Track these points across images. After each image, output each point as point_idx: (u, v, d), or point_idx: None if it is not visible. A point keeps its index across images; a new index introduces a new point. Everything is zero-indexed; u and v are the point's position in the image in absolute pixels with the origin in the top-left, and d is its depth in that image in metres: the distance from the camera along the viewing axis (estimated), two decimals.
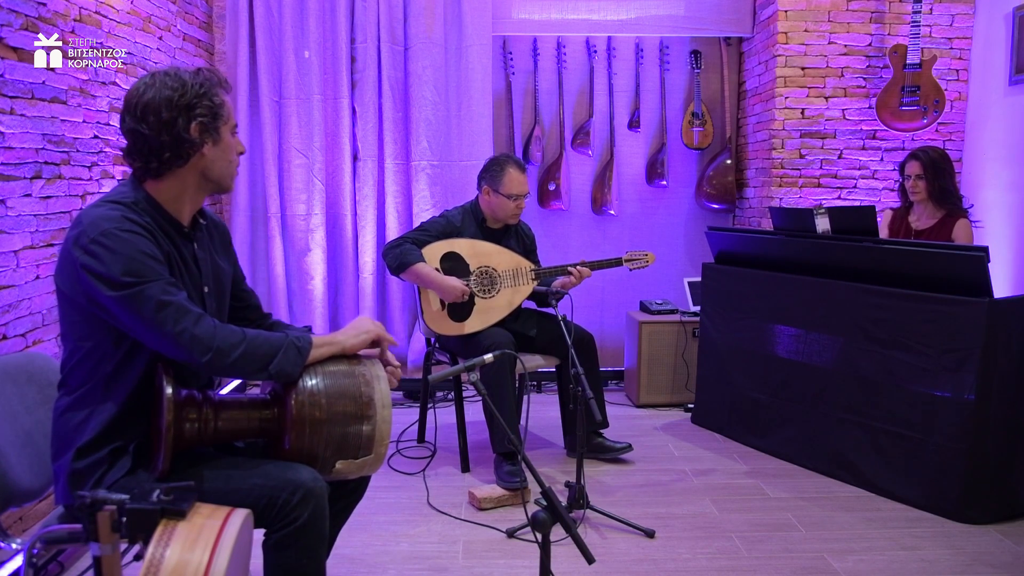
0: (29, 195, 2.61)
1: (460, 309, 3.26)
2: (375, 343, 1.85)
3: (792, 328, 3.43)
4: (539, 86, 4.67)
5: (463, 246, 3.32)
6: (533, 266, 3.39)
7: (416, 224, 4.21)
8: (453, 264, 3.27)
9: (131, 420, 1.67)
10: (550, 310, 3.19)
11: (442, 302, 3.24)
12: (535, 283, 3.36)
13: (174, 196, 1.72)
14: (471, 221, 3.42)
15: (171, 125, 1.65)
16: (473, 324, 3.26)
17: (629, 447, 3.45)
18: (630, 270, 3.50)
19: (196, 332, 1.58)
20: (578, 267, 3.31)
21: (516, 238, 3.51)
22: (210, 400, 1.70)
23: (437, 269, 3.24)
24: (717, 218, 4.85)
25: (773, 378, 3.52)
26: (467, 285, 3.23)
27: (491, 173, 3.35)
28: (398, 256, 3.22)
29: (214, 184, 1.77)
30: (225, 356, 1.61)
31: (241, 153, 1.82)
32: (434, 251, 3.27)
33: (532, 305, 3.54)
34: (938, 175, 3.53)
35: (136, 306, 1.55)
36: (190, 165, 1.70)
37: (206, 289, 1.79)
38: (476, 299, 3.28)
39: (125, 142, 1.71)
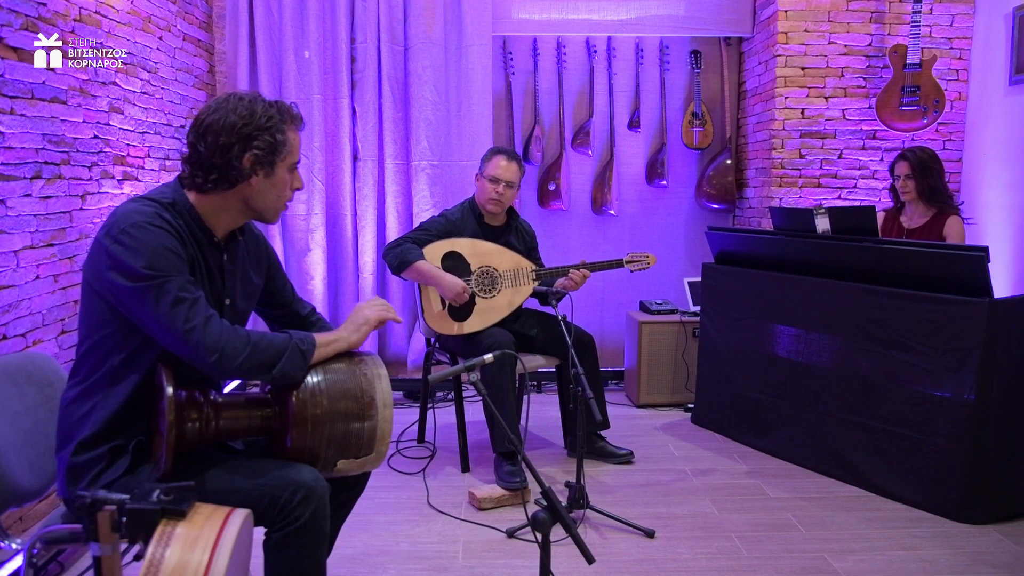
0: (29, 195, 2.61)
1: (461, 309, 3.26)
2: (380, 323, 1.88)
3: (792, 328, 3.43)
4: (539, 86, 4.67)
5: (464, 245, 3.32)
6: (534, 266, 3.39)
7: (415, 225, 4.21)
8: (454, 263, 3.27)
9: (133, 417, 1.68)
10: (550, 310, 3.20)
11: (443, 301, 3.24)
12: (536, 283, 3.36)
13: (213, 211, 1.75)
14: (470, 217, 3.43)
15: (226, 150, 1.68)
16: (473, 324, 3.26)
17: (631, 455, 3.44)
18: (631, 271, 3.50)
19: (206, 332, 1.61)
20: (578, 270, 3.31)
21: (517, 236, 3.51)
22: (211, 400, 1.71)
23: (437, 267, 3.24)
24: (717, 218, 4.85)
25: (773, 378, 3.52)
26: (468, 285, 3.23)
27: (483, 159, 3.42)
28: (399, 255, 3.22)
29: (256, 214, 1.79)
30: (231, 359, 1.63)
31: (298, 189, 1.83)
32: (435, 251, 3.27)
33: (534, 304, 3.53)
34: (927, 174, 3.54)
35: (153, 299, 1.58)
36: (236, 191, 1.73)
37: (227, 301, 1.80)
38: (477, 299, 3.28)
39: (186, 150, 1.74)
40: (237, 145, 1.68)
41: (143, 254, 1.58)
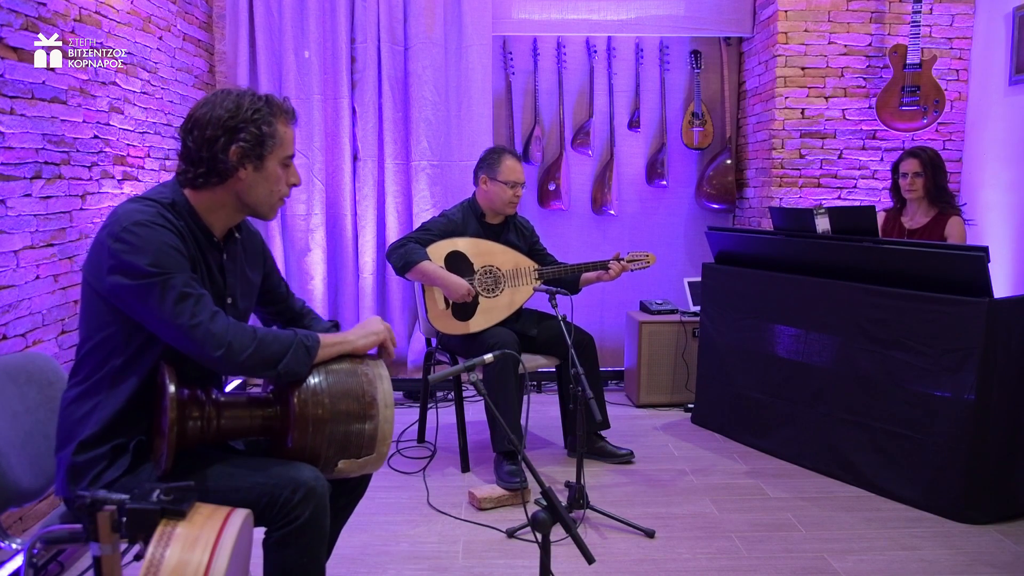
0: (29, 195, 2.61)
1: (464, 308, 3.26)
2: (382, 345, 1.88)
3: (792, 328, 3.43)
4: (539, 86, 4.66)
5: (466, 245, 3.32)
6: (536, 265, 3.39)
7: (416, 225, 4.21)
8: (457, 263, 3.28)
9: (135, 417, 1.68)
10: (551, 309, 3.20)
11: (446, 301, 3.25)
12: (538, 283, 3.36)
13: (209, 208, 1.75)
14: (471, 217, 3.43)
15: (212, 143, 1.68)
16: (477, 323, 3.26)
17: (631, 455, 3.44)
18: (631, 271, 3.51)
19: (211, 328, 1.61)
20: (617, 262, 3.41)
21: (516, 233, 3.52)
22: (213, 399, 1.71)
23: (441, 268, 3.24)
24: (717, 218, 4.85)
25: (773, 378, 3.52)
26: (472, 285, 3.23)
27: (488, 162, 3.37)
28: (403, 256, 3.22)
29: (250, 209, 1.79)
30: (237, 354, 1.63)
31: (294, 185, 1.82)
32: (438, 250, 3.27)
33: (534, 304, 3.53)
34: (936, 173, 3.56)
35: (158, 295, 1.58)
36: (227, 185, 1.73)
37: (228, 300, 1.81)
38: (480, 298, 3.28)
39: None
40: (223, 138, 1.68)
41: (147, 252, 1.58)
